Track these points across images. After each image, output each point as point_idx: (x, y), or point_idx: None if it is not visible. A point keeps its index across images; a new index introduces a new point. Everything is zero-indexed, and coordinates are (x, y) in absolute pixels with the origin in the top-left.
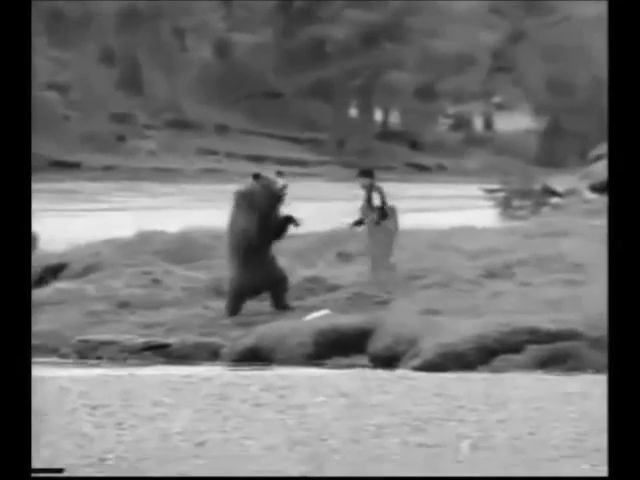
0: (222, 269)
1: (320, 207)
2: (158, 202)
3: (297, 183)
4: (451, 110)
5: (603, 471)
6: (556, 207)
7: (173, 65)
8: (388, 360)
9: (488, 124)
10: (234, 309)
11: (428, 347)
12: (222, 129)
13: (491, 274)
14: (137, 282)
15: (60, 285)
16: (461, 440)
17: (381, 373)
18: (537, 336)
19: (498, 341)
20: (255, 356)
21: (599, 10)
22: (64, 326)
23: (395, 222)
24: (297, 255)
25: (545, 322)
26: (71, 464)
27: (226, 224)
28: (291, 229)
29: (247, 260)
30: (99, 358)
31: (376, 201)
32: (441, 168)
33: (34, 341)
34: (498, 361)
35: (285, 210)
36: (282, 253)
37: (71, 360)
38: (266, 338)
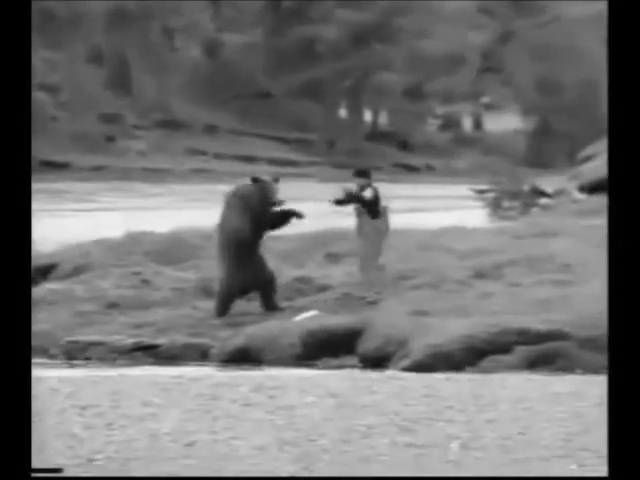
0: (211, 269)
1: (309, 207)
2: (148, 202)
3: (287, 183)
4: (440, 110)
5: (592, 471)
6: (545, 207)
7: (162, 65)
8: (377, 361)
9: (477, 124)
10: (223, 309)
11: (417, 348)
12: (212, 129)
13: (480, 275)
14: (126, 282)
15: (50, 286)
16: (450, 440)
17: (370, 374)
18: (526, 336)
19: (487, 342)
20: (244, 357)
21: (589, 10)
22: (53, 327)
23: (386, 222)
24: (286, 256)
25: (534, 322)
26: (61, 464)
27: (215, 224)
28: (285, 228)
29: (238, 260)
30: (88, 359)
31: (367, 194)
32: (430, 168)
33: None
34: (487, 361)
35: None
36: (271, 253)
37: (60, 361)
38: (255, 339)
